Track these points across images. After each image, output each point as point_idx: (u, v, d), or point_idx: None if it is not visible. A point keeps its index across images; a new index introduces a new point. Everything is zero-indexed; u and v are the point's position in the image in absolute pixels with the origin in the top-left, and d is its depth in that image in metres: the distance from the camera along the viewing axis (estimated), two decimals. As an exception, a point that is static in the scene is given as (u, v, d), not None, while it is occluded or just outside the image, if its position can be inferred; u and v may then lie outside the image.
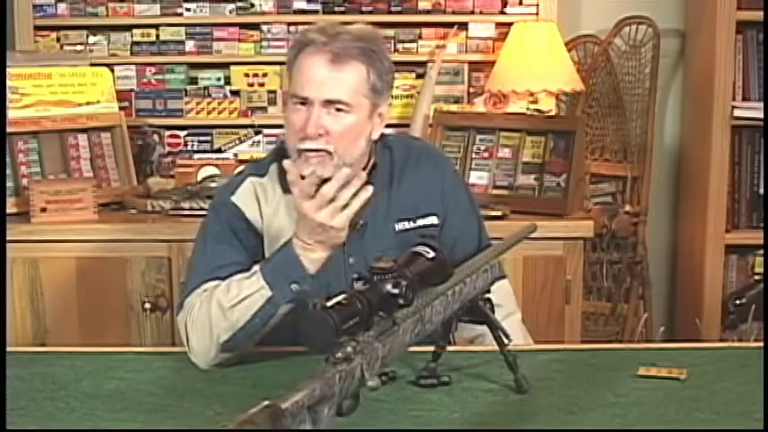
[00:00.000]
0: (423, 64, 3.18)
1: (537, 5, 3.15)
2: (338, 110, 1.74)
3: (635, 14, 3.29)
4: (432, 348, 1.61)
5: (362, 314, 1.21)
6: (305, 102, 1.75)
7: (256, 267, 1.68)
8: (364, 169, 1.82)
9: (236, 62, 3.21)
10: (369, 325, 1.23)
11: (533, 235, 1.82)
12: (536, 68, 2.99)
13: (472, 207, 1.99)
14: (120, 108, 3.04)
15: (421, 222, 1.87)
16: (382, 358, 1.26)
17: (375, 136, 1.84)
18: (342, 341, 1.19)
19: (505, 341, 1.58)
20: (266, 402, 1.07)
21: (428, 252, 1.35)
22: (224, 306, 1.66)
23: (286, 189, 1.80)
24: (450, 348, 1.64)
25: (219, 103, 3.21)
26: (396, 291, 1.25)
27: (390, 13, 3.15)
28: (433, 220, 1.89)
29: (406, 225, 1.86)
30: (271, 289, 1.64)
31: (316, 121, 1.73)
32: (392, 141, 1.94)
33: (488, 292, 1.65)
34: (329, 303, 1.20)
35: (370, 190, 1.62)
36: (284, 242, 1.68)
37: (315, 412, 1.14)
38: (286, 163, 1.68)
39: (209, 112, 3.21)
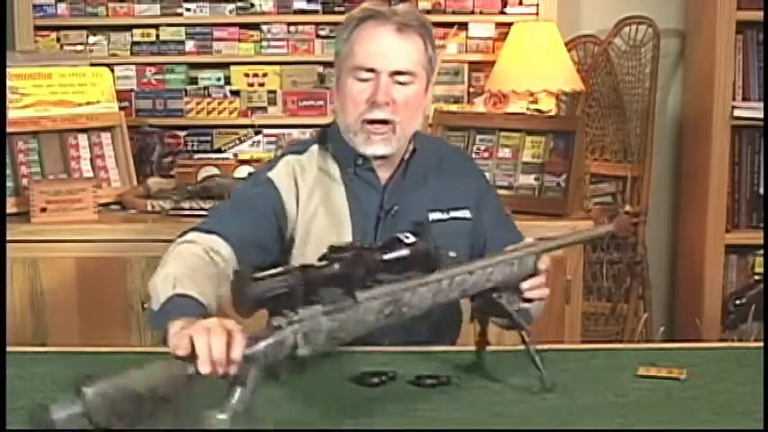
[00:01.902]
0: (423, 64, 3.18)
1: (537, 5, 3.15)
2: (401, 82, 1.77)
3: (635, 14, 3.29)
4: (433, 348, 1.60)
5: (294, 288, 1.28)
6: (371, 72, 1.76)
7: (177, 292, 1.47)
8: (405, 153, 1.84)
9: (236, 62, 3.21)
10: (300, 300, 1.29)
11: (533, 235, 1.82)
12: (536, 68, 2.99)
13: (504, 212, 2.01)
14: (120, 108, 3.03)
15: (454, 214, 1.87)
16: (330, 331, 1.30)
17: (428, 111, 1.86)
18: (284, 312, 1.27)
19: (527, 328, 1.56)
20: None
21: (407, 237, 1.38)
22: (159, 270, 1.55)
23: (323, 169, 1.84)
24: (449, 348, 1.63)
25: (219, 103, 3.21)
26: (345, 271, 1.31)
27: (390, 12, 3.14)
28: (466, 213, 1.89)
29: (440, 216, 1.85)
30: (158, 308, 1.47)
31: (385, 88, 1.75)
32: (423, 139, 1.94)
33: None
34: (261, 274, 1.27)
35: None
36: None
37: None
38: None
39: (209, 112, 3.21)
